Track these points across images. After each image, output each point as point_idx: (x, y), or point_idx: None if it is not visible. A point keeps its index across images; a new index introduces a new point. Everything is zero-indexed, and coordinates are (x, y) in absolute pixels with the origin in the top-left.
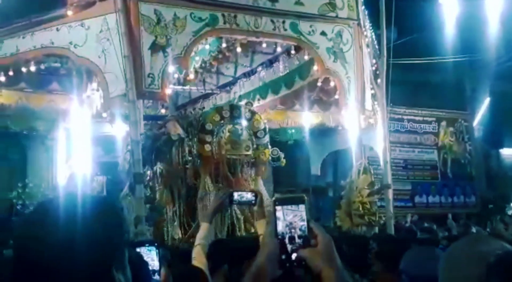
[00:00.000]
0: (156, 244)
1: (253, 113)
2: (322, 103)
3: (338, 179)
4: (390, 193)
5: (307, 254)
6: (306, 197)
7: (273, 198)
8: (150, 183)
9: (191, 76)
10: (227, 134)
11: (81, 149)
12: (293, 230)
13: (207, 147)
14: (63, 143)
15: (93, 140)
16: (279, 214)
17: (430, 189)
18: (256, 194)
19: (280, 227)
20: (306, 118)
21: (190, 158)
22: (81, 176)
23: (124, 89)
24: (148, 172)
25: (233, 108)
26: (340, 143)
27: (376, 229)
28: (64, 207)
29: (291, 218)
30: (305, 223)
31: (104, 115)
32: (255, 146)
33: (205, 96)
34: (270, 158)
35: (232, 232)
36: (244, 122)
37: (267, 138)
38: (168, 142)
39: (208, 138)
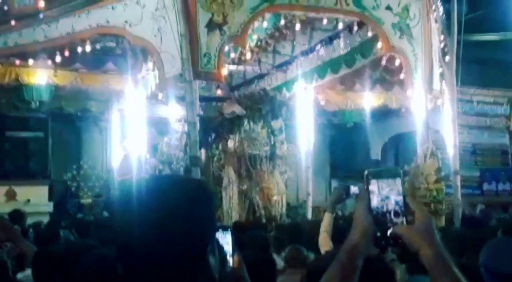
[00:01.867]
0: (229, 229)
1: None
2: (385, 83)
3: (400, 164)
4: (458, 180)
5: (404, 231)
6: (401, 170)
7: (366, 172)
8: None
9: (247, 55)
10: (248, 132)
11: (135, 131)
12: (388, 205)
13: (230, 144)
14: (117, 125)
15: (147, 121)
16: (373, 187)
17: (499, 176)
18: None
19: (375, 201)
20: (367, 99)
21: (217, 152)
22: (135, 158)
23: (180, 69)
24: (203, 155)
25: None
26: (403, 126)
27: (443, 219)
28: (156, 187)
29: (387, 192)
30: (402, 197)
31: (159, 96)
32: (272, 142)
33: (261, 77)
34: (286, 153)
35: (253, 213)
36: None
37: (283, 136)
38: (225, 123)
39: (232, 136)
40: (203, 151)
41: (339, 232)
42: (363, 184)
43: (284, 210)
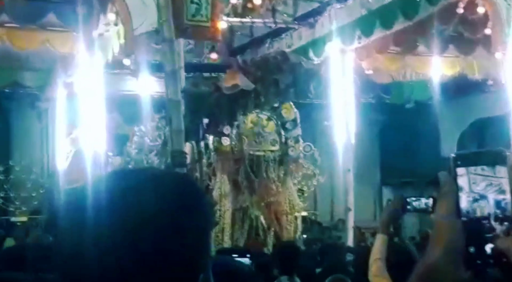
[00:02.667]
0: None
1: (281, 100)
2: (463, 42)
3: None
4: None
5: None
6: (507, 153)
7: (452, 155)
8: (195, 166)
9: (255, 1)
10: (249, 125)
11: (89, 116)
12: (486, 208)
13: (225, 141)
14: (62, 107)
15: (108, 102)
16: (462, 181)
17: None
18: (434, 198)
19: (465, 202)
20: (436, 67)
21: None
22: (90, 157)
23: (155, 22)
24: (188, 150)
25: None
26: (490, 106)
27: None
28: (123, 189)
29: (483, 189)
30: (508, 196)
31: (126, 63)
32: (283, 140)
33: (276, 34)
34: (302, 155)
35: (256, 234)
36: (269, 110)
37: (298, 130)
38: (223, 103)
39: (226, 129)
40: (188, 145)
41: (399, 260)
42: (448, 173)
43: (299, 233)
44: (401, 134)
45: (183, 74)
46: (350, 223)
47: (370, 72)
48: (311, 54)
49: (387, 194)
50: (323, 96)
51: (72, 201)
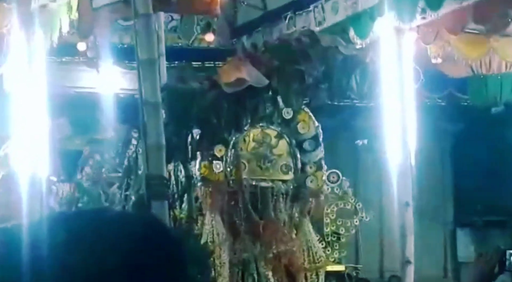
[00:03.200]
0: None
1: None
2: None
3: None
4: None
5: None
6: None
7: None
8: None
9: None
10: (251, 144)
11: (26, 124)
12: None
13: (217, 167)
14: None
15: (54, 103)
16: None
17: None
18: None
19: None
20: None
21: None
22: (24, 183)
23: None
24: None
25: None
26: None
27: None
28: (76, 241)
29: None
30: None
31: (80, 47)
32: (299, 165)
33: (300, 6)
34: (325, 186)
35: None
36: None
37: (320, 152)
38: (222, 105)
39: (219, 150)
40: (171, 169)
41: None
42: None
43: None
44: (484, 150)
45: (164, 63)
46: (410, 280)
47: (439, 61)
48: (352, 34)
49: (464, 239)
50: (370, 96)
51: (3, 254)
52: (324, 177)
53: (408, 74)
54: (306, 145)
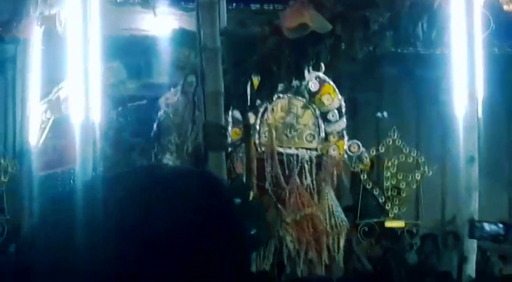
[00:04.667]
0: None
1: (322, 80)
2: None
3: None
4: None
5: None
6: None
7: None
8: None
9: None
10: (279, 113)
11: (78, 67)
12: None
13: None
14: (38, 53)
15: (108, 46)
16: None
17: None
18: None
19: None
20: None
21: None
22: (77, 127)
23: None
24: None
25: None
26: None
27: None
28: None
29: None
30: None
31: None
32: (323, 135)
33: None
34: (345, 156)
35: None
36: (306, 94)
37: (343, 123)
38: (284, 51)
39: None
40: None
41: None
42: None
43: (340, 257)
44: None
45: (224, 6)
46: (473, 241)
47: None
48: None
49: None
50: (436, 44)
51: (55, 203)
52: (345, 147)
53: (478, 21)
54: (330, 116)
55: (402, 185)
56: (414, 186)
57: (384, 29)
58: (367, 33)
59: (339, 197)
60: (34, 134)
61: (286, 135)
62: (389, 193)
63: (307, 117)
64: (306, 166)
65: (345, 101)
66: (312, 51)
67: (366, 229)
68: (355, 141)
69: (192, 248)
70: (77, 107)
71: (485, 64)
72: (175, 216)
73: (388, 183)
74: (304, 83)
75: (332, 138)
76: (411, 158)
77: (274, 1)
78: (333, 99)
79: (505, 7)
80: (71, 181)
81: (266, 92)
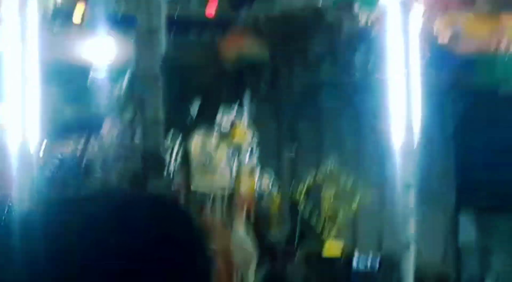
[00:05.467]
0: None
1: (234, 119)
2: None
3: None
4: None
5: None
6: None
7: None
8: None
9: None
10: (193, 150)
11: (17, 91)
12: None
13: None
14: None
15: (47, 72)
16: None
17: None
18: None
19: None
20: None
21: None
22: (14, 151)
23: None
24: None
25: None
26: None
27: None
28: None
29: None
30: None
31: (75, 14)
32: (234, 172)
33: None
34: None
35: None
36: (220, 133)
37: (254, 160)
38: (222, 80)
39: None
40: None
41: None
42: None
43: None
44: (490, 133)
45: (163, 35)
46: (409, 265)
47: (446, 39)
48: (356, 8)
49: (466, 224)
50: (374, 73)
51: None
52: (256, 184)
53: (414, 51)
54: (242, 154)
55: (340, 213)
56: (352, 214)
57: (323, 58)
58: (306, 62)
59: (260, 229)
60: None
61: (200, 173)
62: (327, 222)
63: (220, 155)
64: (219, 203)
65: (283, 131)
66: (251, 81)
67: (304, 258)
68: (266, 177)
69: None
70: (14, 133)
71: (422, 93)
72: (137, 239)
73: (326, 212)
74: (218, 121)
75: (243, 176)
76: (349, 186)
77: (213, 30)
78: (245, 137)
79: (440, 38)
80: (7, 207)
81: (204, 120)
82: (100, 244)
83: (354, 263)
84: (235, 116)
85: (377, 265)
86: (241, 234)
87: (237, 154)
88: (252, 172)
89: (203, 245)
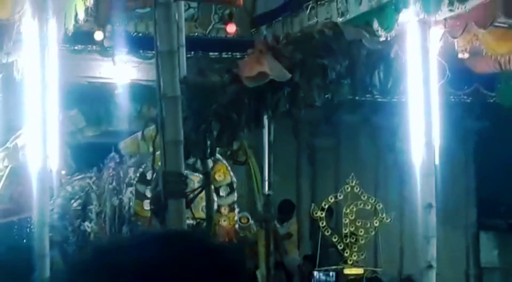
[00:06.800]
0: None
1: (216, 159)
2: None
3: None
4: None
5: None
6: None
7: None
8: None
9: None
10: None
11: (37, 114)
12: None
13: (146, 205)
14: None
15: (67, 94)
16: None
17: None
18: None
19: None
20: None
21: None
22: (34, 174)
23: None
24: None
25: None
26: None
27: None
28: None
29: None
30: None
31: (97, 37)
32: (215, 207)
33: None
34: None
35: None
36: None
37: (233, 197)
38: (242, 99)
39: (148, 191)
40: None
41: None
42: None
43: None
44: (510, 150)
45: (183, 55)
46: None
47: (466, 56)
48: (376, 27)
49: (487, 242)
50: (393, 92)
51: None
52: (236, 218)
53: (434, 70)
54: (221, 191)
55: (361, 232)
56: (373, 233)
57: (342, 77)
58: (325, 81)
59: None
60: None
61: None
62: (348, 240)
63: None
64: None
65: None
66: (271, 100)
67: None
68: (245, 213)
69: None
70: (34, 155)
71: (441, 111)
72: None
73: (347, 230)
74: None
75: (223, 210)
76: (369, 205)
77: (233, 50)
78: (225, 176)
79: (460, 55)
80: (28, 229)
81: (226, 139)
82: None
83: None
84: (216, 158)
85: None
86: None
87: (217, 191)
88: (232, 207)
89: None
